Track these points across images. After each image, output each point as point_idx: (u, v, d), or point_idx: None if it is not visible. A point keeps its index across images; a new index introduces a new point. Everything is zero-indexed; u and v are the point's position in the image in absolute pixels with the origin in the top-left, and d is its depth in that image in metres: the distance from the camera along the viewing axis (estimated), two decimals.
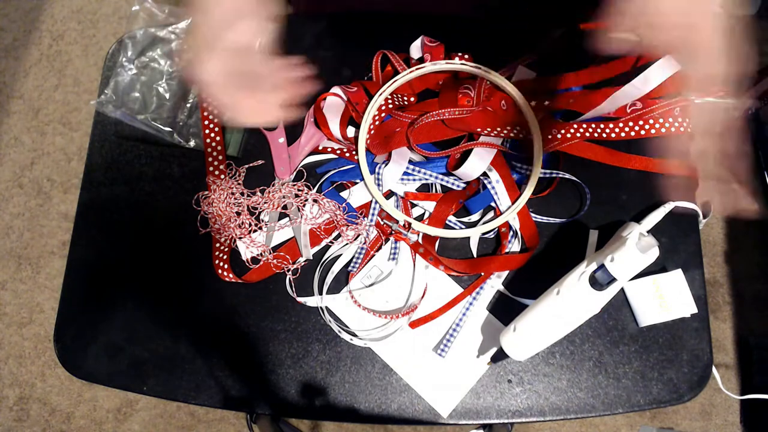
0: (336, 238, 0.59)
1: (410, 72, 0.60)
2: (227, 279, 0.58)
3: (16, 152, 1.37)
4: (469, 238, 0.59)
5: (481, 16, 0.67)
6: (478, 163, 0.57)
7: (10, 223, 1.32)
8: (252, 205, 0.60)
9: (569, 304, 0.50)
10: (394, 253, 0.58)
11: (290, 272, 0.58)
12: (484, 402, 0.55)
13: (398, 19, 0.67)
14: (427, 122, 0.58)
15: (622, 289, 0.57)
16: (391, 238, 0.58)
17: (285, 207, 0.60)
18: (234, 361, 0.57)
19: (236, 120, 0.41)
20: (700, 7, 0.38)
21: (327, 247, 0.59)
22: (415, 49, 0.64)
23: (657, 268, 0.57)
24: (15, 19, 1.47)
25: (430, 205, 0.58)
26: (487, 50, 0.63)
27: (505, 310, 0.57)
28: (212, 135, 0.62)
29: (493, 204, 0.58)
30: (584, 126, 0.60)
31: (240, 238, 0.58)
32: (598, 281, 0.49)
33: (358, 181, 0.60)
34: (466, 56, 0.62)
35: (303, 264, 0.59)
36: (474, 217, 0.59)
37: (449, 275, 0.58)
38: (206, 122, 0.62)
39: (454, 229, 0.58)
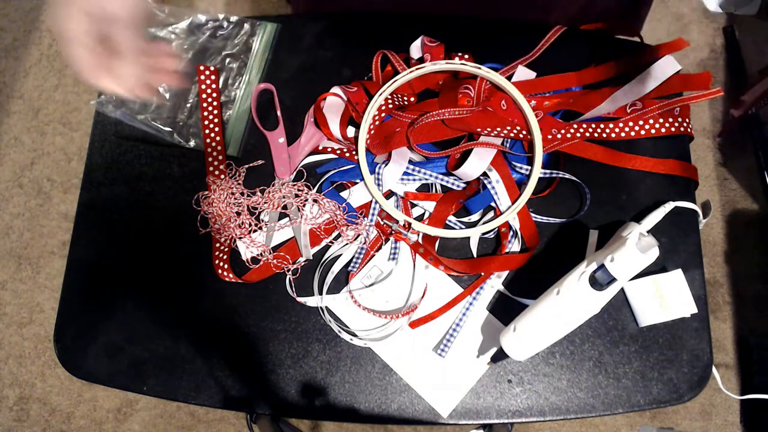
0: (336, 238, 0.59)
1: (410, 72, 0.60)
2: (227, 279, 0.58)
3: (16, 152, 1.37)
4: (469, 238, 0.59)
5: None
6: (478, 163, 0.57)
7: (10, 223, 1.32)
8: (252, 205, 0.60)
9: (569, 304, 0.50)
10: (394, 253, 0.58)
11: (290, 272, 0.58)
12: (484, 402, 0.55)
13: (398, 19, 0.67)
14: (427, 122, 0.58)
15: (622, 289, 0.57)
16: (391, 238, 0.58)
17: (285, 207, 0.60)
18: (234, 361, 0.57)
19: (80, 77, 0.41)
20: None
21: (327, 247, 0.59)
22: (415, 49, 0.64)
23: (657, 268, 0.57)
24: (15, 19, 1.47)
25: (430, 205, 0.58)
26: (487, 50, 0.63)
27: (505, 310, 0.57)
28: (212, 135, 0.62)
29: (493, 204, 0.58)
30: (584, 126, 0.60)
31: (240, 238, 0.58)
32: (598, 281, 0.49)
33: (358, 181, 0.60)
34: (466, 56, 0.62)
35: (303, 264, 0.59)
36: (474, 217, 0.59)
37: (449, 275, 0.58)
38: (206, 122, 0.62)
39: (454, 229, 0.58)
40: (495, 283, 0.57)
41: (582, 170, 0.59)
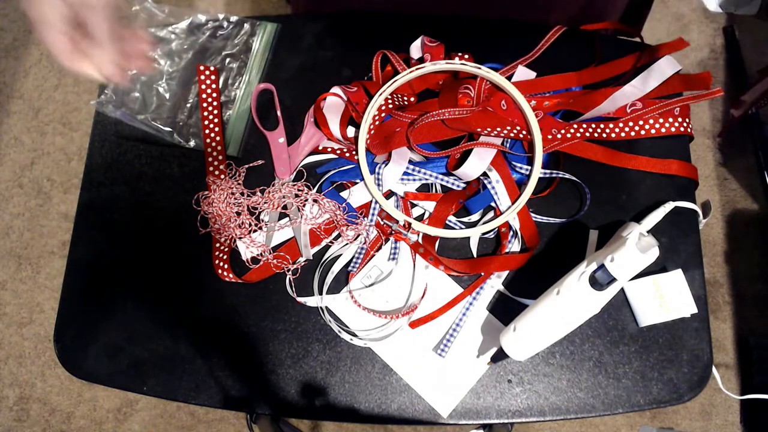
0: (336, 238, 0.59)
1: (410, 72, 0.60)
2: (227, 279, 0.58)
3: (16, 152, 1.37)
4: (469, 238, 0.59)
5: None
6: (478, 163, 0.57)
7: (10, 223, 1.32)
8: (252, 205, 0.60)
9: (569, 304, 0.50)
10: (394, 253, 0.58)
11: (290, 272, 0.58)
12: (484, 402, 0.55)
13: (398, 19, 0.67)
14: (427, 122, 0.58)
15: (622, 289, 0.57)
16: (391, 238, 0.58)
17: (285, 207, 0.60)
18: (234, 361, 0.57)
19: (56, 61, 0.42)
20: None
21: (327, 247, 0.59)
22: (415, 49, 0.64)
23: (657, 268, 0.57)
24: (15, 19, 1.47)
25: (430, 205, 0.58)
26: (487, 50, 0.63)
27: (505, 310, 0.57)
28: (212, 135, 0.62)
29: (493, 204, 0.58)
30: (584, 126, 0.60)
31: (240, 238, 0.58)
32: (598, 281, 0.49)
33: (358, 181, 0.60)
34: (466, 56, 0.62)
35: (303, 264, 0.59)
36: (474, 217, 0.59)
37: (449, 275, 0.58)
38: (206, 122, 0.62)
39: (454, 229, 0.58)
40: (495, 283, 0.57)
41: (582, 170, 0.59)
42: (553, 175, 0.59)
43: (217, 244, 0.59)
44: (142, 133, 0.63)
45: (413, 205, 0.59)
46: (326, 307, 0.57)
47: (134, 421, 1.19)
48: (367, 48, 0.63)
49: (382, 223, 0.58)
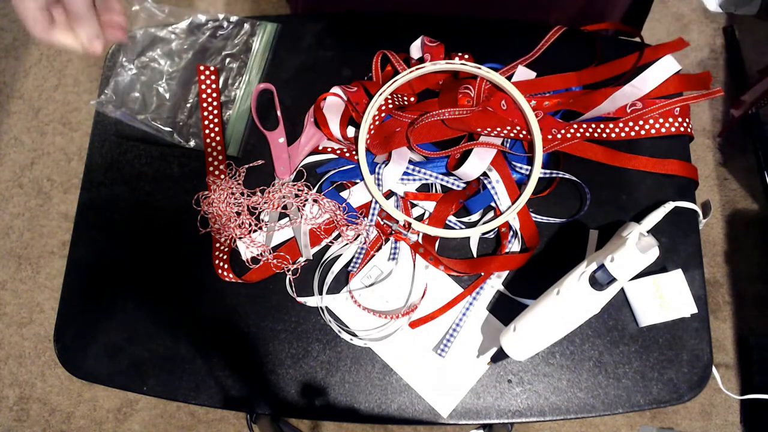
0: (336, 238, 0.59)
1: (410, 72, 0.60)
2: (227, 279, 0.58)
3: (16, 152, 1.37)
4: (469, 238, 0.59)
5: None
6: (478, 163, 0.57)
7: (10, 223, 1.32)
8: (252, 205, 0.60)
9: (569, 304, 0.50)
10: (394, 253, 0.58)
11: (290, 272, 0.58)
12: (484, 402, 0.55)
13: (398, 19, 0.67)
14: (427, 122, 0.58)
15: (622, 289, 0.57)
16: (391, 238, 0.58)
17: (285, 207, 0.60)
18: (234, 361, 0.57)
19: (32, 34, 0.42)
20: None
21: (327, 247, 0.59)
22: (415, 49, 0.64)
23: (657, 268, 0.57)
24: (15, 19, 1.47)
25: (430, 205, 0.58)
26: (487, 50, 0.63)
27: (505, 310, 0.57)
28: (212, 135, 0.62)
29: (493, 204, 0.58)
30: (584, 126, 0.60)
31: (240, 238, 0.58)
32: (598, 281, 0.49)
33: (358, 181, 0.60)
34: (466, 56, 0.62)
35: (303, 264, 0.59)
36: (474, 217, 0.59)
37: (449, 275, 0.58)
38: (206, 122, 0.62)
39: (454, 229, 0.58)
40: (495, 283, 0.57)
41: (582, 170, 0.59)
42: (553, 175, 0.59)
43: (217, 244, 0.59)
44: (142, 133, 0.63)
45: (413, 205, 0.59)
46: (326, 307, 0.57)
47: (134, 421, 1.19)
48: (367, 48, 0.63)
49: (382, 223, 0.58)
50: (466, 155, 0.57)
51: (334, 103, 0.62)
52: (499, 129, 0.58)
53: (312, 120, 0.62)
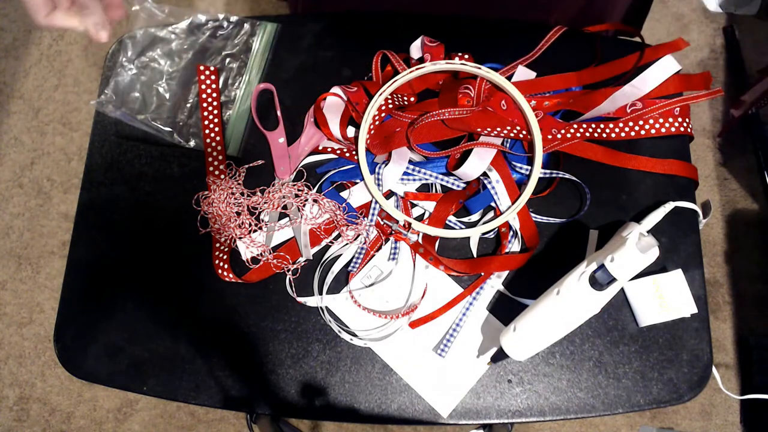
0: (336, 238, 0.59)
1: (410, 72, 0.60)
2: (227, 279, 0.58)
3: (16, 152, 1.37)
4: (469, 238, 0.59)
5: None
6: (478, 163, 0.57)
7: (10, 223, 1.32)
8: (252, 205, 0.60)
9: (569, 304, 0.50)
10: (394, 253, 0.58)
11: (290, 272, 0.58)
12: (484, 402, 0.55)
13: (398, 19, 0.67)
14: (427, 122, 0.58)
15: (622, 289, 0.57)
16: (391, 238, 0.58)
17: (285, 207, 0.60)
18: (234, 361, 0.57)
19: (33, 19, 0.42)
20: None
21: (327, 247, 0.59)
22: (415, 49, 0.64)
23: (657, 268, 0.57)
24: (15, 19, 1.47)
25: (430, 205, 0.58)
26: (487, 50, 0.63)
27: (505, 310, 0.57)
28: (212, 135, 0.62)
29: (493, 204, 0.58)
30: (584, 126, 0.60)
31: (240, 238, 0.58)
32: (598, 281, 0.49)
33: (358, 181, 0.60)
34: (466, 56, 0.62)
35: (303, 264, 0.59)
36: (474, 217, 0.59)
37: (449, 275, 0.58)
38: (206, 122, 0.62)
39: (454, 229, 0.58)
40: (495, 283, 0.57)
41: (582, 170, 0.59)
42: (553, 175, 0.59)
43: (217, 244, 0.59)
44: (142, 133, 0.63)
45: (413, 205, 0.59)
46: (326, 307, 0.57)
47: (134, 421, 1.19)
48: (367, 48, 0.63)
49: (382, 223, 0.58)
50: (466, 155, 0.57)
51: (334, 103, 0.62)
52: (499, 129, 0.58)
53: (312, 120, 0.62)
